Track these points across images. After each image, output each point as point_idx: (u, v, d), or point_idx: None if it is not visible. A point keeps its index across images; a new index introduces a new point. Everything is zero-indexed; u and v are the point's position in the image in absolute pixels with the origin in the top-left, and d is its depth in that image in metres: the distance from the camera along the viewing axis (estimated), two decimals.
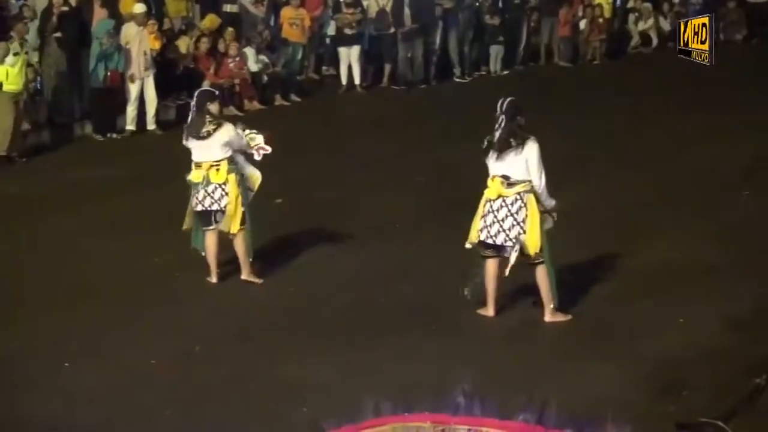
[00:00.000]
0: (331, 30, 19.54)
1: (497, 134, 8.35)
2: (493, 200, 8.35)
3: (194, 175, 9.32)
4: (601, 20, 22.42)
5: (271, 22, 19.01)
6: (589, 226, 10.52)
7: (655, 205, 11.67)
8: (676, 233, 10.63)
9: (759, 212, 11.28)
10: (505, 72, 20.82)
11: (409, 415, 3.69)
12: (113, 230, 10.97)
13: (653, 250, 10.07)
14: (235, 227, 9.30)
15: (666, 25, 23.30)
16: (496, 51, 20.75)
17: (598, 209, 11.33)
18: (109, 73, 15.32)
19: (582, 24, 22.28)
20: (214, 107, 9.42)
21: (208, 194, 9.29)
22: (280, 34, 18.58)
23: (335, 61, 19.45)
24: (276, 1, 19.23)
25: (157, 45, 16.33)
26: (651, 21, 23.49)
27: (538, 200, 8.32)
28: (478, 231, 8.42)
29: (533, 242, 8.28)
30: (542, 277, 8.40)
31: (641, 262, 9.78)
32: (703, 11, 22.93)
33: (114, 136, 15.63)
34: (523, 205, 8.28)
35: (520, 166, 8.28)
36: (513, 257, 8.33)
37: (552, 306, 8.45)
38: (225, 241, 9.47)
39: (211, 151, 9.27)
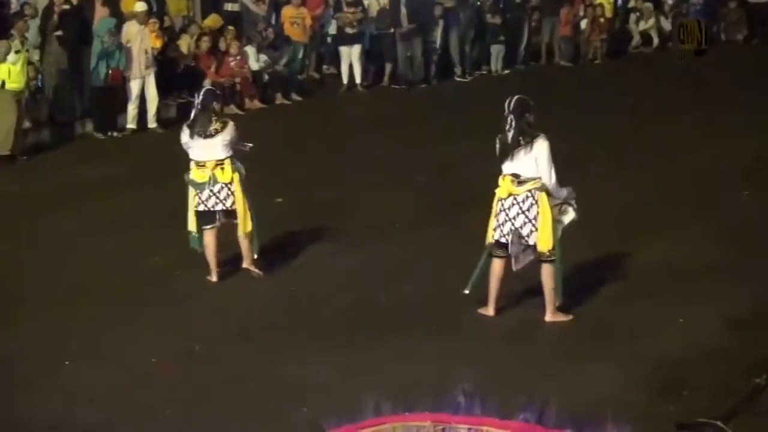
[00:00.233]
0: (332, 29, 19.56)
1: (510, 135, 8.30)
2: (504, 199, 8.33)
3: (198, 175, 9.30)
4: (602, 20, 22.43)
5: (272, 21, 19.02)
6: (589, 225, 10.48)
7: (656, 205, 11.67)
8: (676, 233, 10.63)
9: (759, 212, 11.27)
10: (506, 71, 20.83)
11: (409, 414, 3.69)
12: (114, 229, 10.97)
13: (653, 250, 10.06)
14: (249, 226, 9.34)
15: (667, 24, 23.30)
16: (497, 50, 20.76)
17: (599, 209, 11.30)
18: (110, 72, 15.33)
19: (583, 23, 22.28)
20: (218, 106, 9.51)
21: (214, 194, 9.28)
22: (282, 32, 18.59)
23: (336, 60, 19.46)
24: (277, 0, 19.24)
25: (158, 43, 16.34)
26: (652, 21, 23.49)
27: (549, 196, 8.30)
28: (492, 230, 8.42)
29: (545, 240, 8.27)
30: (547, 275, 8.38)
31: (641, 262, 9.77)
32: (704, 11, 23.04)
33: (115, 134, 15.64)
34: (534, 202, 8.27)
35: (529, 164, 8.26)
36: (526, 257, 8.32)
37: (555, 305, 8.44)
38: (225, 240, 9.49)
39: (215, 150, 9.28)
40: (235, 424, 6.86)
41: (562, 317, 8.50)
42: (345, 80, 19.10)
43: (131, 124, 15.86)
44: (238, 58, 17.24)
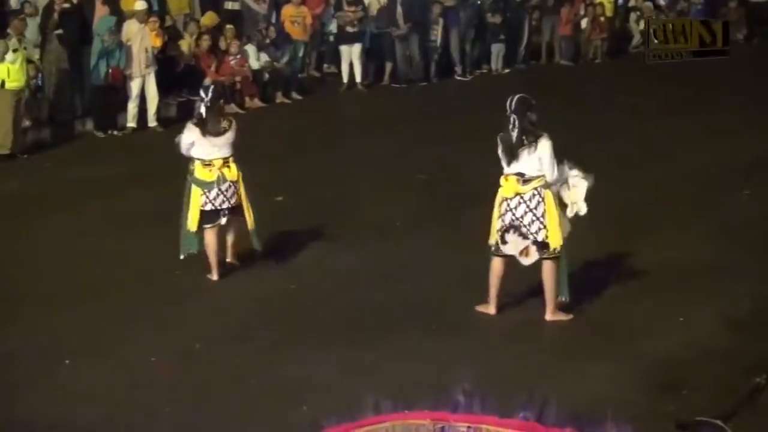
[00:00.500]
0: (332, 28, 19.56)
1: (513, 134, 8.28)
2: (510, 198, 8.31)
3: (204, 174, 9.30)
4: (602, 19, 22.42)
5: (273, 20, 19.02)
6: (589, 225, 10.51)
7: (656, 204, 11.67)
8: (675, 232, 10.63)
9: (759, 212, 11.27)
10: (507, 70, 20.83)
11: (408, 412, 3.69)
12: (114, 228, 10.97)
13: (653, 249, 10.06)
14: (253, 222, 9.46)
15: None
16: (497, 49, 20.76)
17: (599, 208, 11.30)
18: (110, 70, 15.33)
19: (583, 23, 22.28)
20: (223, 103, 9.63)
21: (221, 192, 9.30)
22: (283, 31, 18.59)
23: (336, 59, 19.46)
24: None
25: (158, 42, 16.33)
26: None
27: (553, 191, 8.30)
28: (497, 231, 8.39)
29: (554, 237, 8.27)
30: (549, 273, 8.37)
31: (641, 261, 9.77)
32: (705, 10, 23.02)
33: (115, 133, 15.64)
34: (541, 200, 8.26)
35: (534, 164, 8.25)
36: (534, 254, 8.31)
37: (556, 302, 8.42)
38: (223, 239, 9.52)
39: (222, 148, 9.32)
40: (235, 423, 6.87)
41: (562, 316, 8.49)
42: (345, 79, 19.10)
43: (131, 123, 15.86)
44: (239, 56, 17.24)
